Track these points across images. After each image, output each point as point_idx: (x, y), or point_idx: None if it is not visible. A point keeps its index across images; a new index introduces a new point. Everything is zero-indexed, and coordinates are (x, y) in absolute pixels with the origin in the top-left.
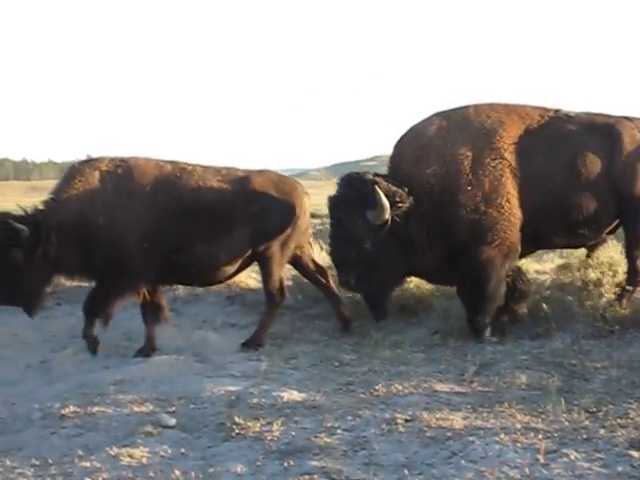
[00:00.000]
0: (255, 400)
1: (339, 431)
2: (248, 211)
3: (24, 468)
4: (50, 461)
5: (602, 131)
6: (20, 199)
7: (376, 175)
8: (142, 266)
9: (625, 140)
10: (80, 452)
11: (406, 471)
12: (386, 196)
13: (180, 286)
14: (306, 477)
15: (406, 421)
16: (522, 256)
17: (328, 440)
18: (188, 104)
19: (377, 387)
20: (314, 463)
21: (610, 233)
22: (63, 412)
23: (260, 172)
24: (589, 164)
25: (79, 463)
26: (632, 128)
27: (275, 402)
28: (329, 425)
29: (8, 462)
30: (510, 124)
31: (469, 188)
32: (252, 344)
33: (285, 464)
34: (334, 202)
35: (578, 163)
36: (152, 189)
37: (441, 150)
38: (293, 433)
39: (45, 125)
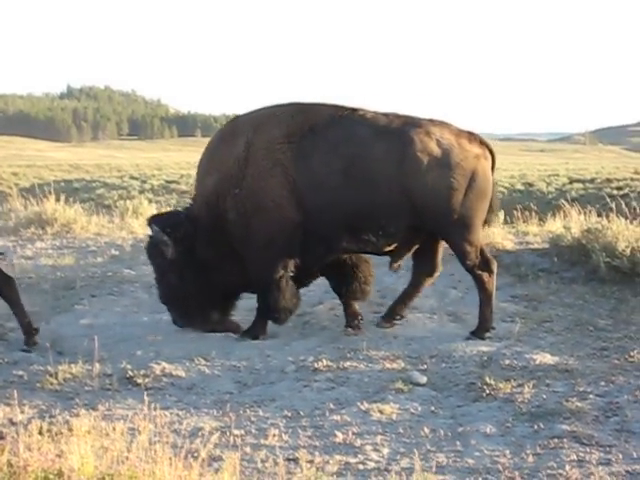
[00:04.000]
0: (507, 361)
1: (591, 396)
2: None
3: (276, 419)
4: (302, 413)
5: (392, 135)
6: None
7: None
8: None
9: (416, 147)
10: (331, 406)
11: None
12: (163, 231)
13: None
14: (556, 441)
15: None
16: (317, 261)
17: (580, 405)
18: None
19: (632, 353)
20: (564, 427)
21: (409, 243)
22: (316, 365)
23: None
24: (370, 170)
25: (330, 416)
26: (428, 134)
27: (527, 364)
28: (581, 390)
29: (261, 412)
30: (290, 123)
31: (237, 191)
32: (28, 341)
33: (535, 427)
34: (145, 249)
35: (357, 168)
36: None
37: (221, 157)
38: (544, 396)
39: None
